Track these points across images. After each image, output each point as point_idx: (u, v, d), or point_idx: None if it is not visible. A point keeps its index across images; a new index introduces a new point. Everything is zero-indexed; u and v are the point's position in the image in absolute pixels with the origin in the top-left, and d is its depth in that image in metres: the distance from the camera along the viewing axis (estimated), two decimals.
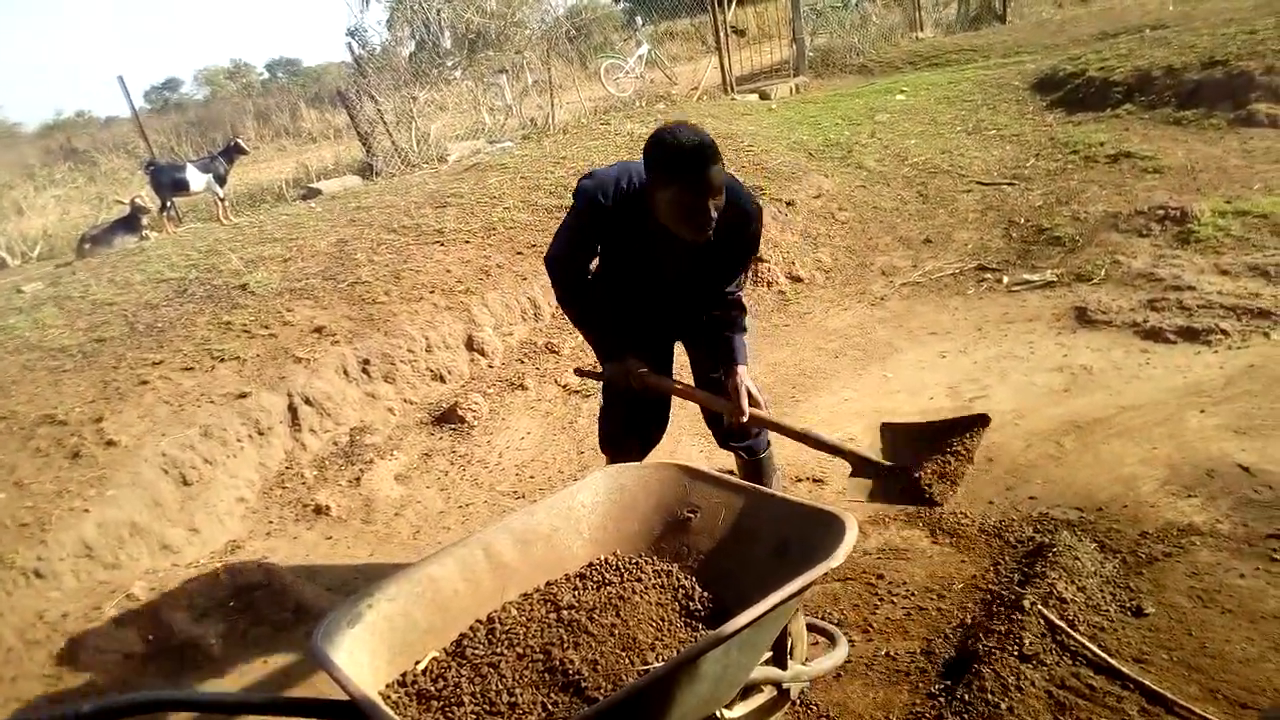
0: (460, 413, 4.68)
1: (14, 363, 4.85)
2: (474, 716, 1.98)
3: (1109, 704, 2.28)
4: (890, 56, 13.09)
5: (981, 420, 2.81)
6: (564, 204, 6.57)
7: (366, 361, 4.89)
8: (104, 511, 3.77)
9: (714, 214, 2.46)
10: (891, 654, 2.63)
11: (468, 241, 6.09)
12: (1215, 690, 2.29)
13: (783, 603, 1.87)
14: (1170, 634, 2.50)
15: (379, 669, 2.12)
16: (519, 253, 6.00)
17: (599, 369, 3.03)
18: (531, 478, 4.18)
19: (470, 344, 5.28)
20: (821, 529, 2.11)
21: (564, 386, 5.01)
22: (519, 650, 2.13)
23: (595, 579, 2.32)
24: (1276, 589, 2.61)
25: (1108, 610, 2.60)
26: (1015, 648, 2.45)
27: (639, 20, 16.98)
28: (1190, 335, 4.36)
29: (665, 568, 2.35)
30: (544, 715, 1.96)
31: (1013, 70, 9.80)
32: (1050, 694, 2.33)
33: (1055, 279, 5.37)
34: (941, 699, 2.40)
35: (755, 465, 3.22)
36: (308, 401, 4.59)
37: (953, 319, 5.18)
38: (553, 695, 2.01)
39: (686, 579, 2.31)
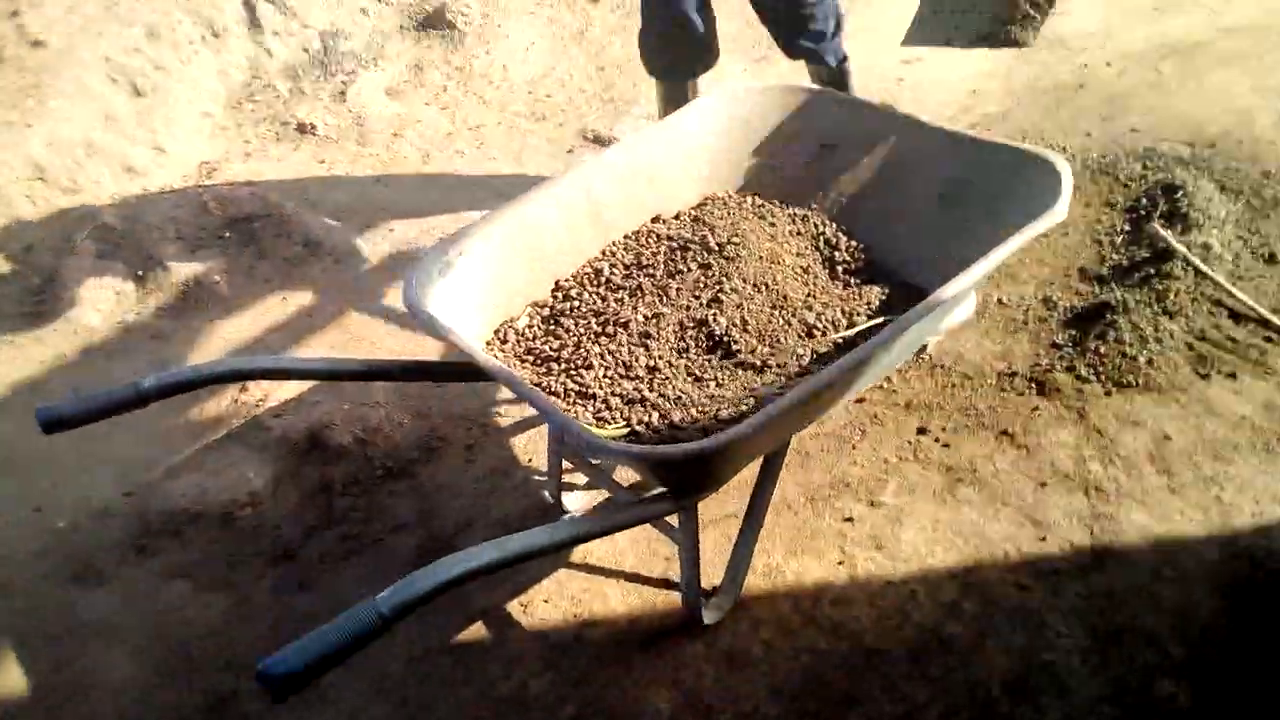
0: (449, 16, 4.00)
1: None
2: (608, 382, 1.72)
3: (1251, 357, 2.14)
4: None
5: None
6: None
7: None
8: (51, 127, 3.19)
9: None
10: (1003, 300, 2.42)
11: None
12: None
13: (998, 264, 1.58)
14: None
15: (476, 323, 1.82)
16: None
17: None
18: (548, 96, 3.66)
19: None
20: (1013, 172, 1.77)
21: None
22: (643, 308, 1.83)
23: (716, 223, 1.96)
24: None
25: (1240, 257, 2.40)
26: (1152, 297, 2.26)
27: None
28: None
29: (800, 212, 2.02)
30: (692, 380, 1.70)
31: None
32: (1190, 346, 2.18)
33: None
34: (1069, 349, 2.24)
35: (831, 79, 2.76)
36: None
37: None
38: (699, 356, 1.74)
39: (829, 226, 1.99)
